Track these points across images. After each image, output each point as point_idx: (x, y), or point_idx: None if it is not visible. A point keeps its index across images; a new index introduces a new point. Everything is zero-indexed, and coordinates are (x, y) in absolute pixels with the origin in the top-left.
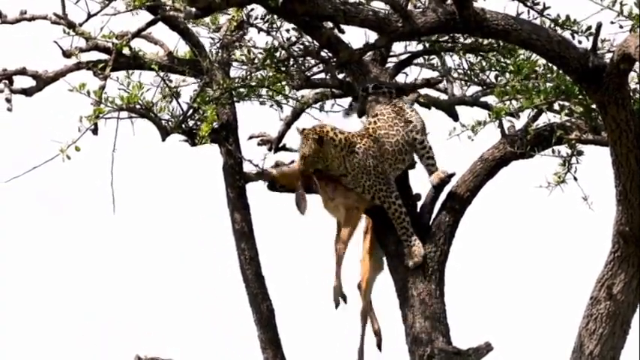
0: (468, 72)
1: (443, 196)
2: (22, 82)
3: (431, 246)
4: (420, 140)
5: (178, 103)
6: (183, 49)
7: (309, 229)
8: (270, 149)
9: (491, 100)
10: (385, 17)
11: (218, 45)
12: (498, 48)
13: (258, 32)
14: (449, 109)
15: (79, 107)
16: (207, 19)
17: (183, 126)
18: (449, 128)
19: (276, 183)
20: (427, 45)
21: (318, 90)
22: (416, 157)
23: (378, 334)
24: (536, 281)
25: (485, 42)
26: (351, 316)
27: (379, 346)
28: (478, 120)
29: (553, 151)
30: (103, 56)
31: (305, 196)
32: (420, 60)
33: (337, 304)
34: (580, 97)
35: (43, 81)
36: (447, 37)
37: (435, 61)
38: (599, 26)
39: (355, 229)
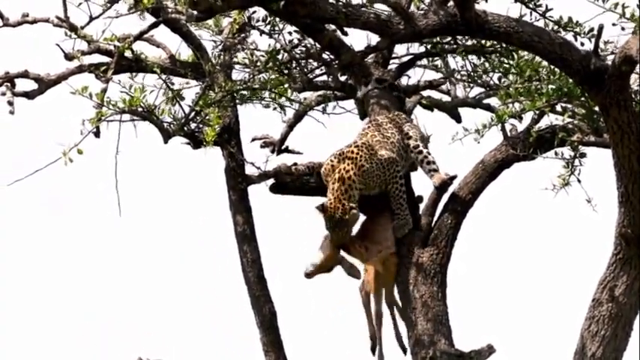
0: (471, 73)
1: (445, 198)
2: (24, 84)
3: (433, 248)
4: (415, 145)
5: (180, 105)
6: (185, 52)
7: (312, 231)
8: (272, 151)
9: (494, 101)
10: (387, 19)
11: (220, 48)
12: (501, 49)
13: (260, 35)
14: (452, 110)
15: (81, 110)
16: (209, 22)
17: (186, 129)
18: (452, 130)
19: (320, 272)
20: (429, 47)
21: (320, 92)
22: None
23: (372, 338)
24: (538, 283)
25: (488, 43)
26: (352, 319)
27: (373, 350)
28: (484, 123)
29: (555, 154)
30: (105, 59)
31: (350, 263)
32: (423, 62)
33: (404, 351)
34: (582, 99)
35: (45, 84)
36: (449, 39)
37: (438, 62)
38: (600, 28)
39: (395, 273)
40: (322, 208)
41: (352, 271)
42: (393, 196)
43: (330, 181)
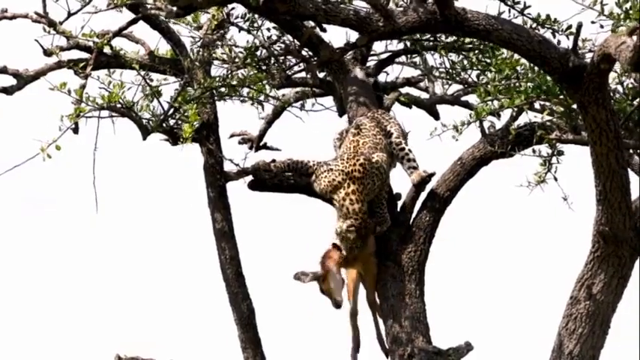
0: (450, 71)
1: (423, 196)
2: (2, 80)
3: (411, 246)
4: (398, 142)
5: (159, 102)
6: (164, 48)
7: (290, 228)
8: (251, 148)
9: (472, 99)
10: (366, 16)
11: (199, 44)
12: (480, 47)
13: (239, 31)
14: (430, 108)
15: (59, 106)
16: (188, 18)
17: (164, 125)
18: (430, 127)
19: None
20: (408, 44)
21: (298, 89)
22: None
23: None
24: (516, 281)
25: (467, 41)
26: (330, 317)
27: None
28: (462, 120)
29: (534, 151)
30: (84, 55)
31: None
32: (402, 59)
33: (387, 354)
34: (560, 96)
35: (23, 80)
36: (428, 36)
37: (417, 59)
38: (579, 26)
39: (376, 273)
40: (352, 231)
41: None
42: (378, 198)
43: (340, 201)
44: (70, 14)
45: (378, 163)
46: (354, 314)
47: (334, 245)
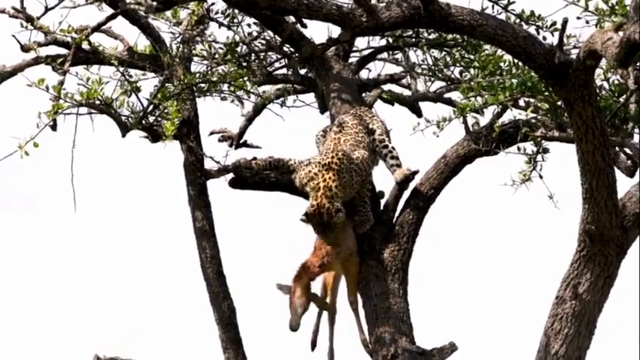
0: (432, 67)
1: (407, 194)
2: None
3: (394, 244)
4: (381, 140)
5: (138, 98)
6: (143, 44)
7: (271, 227)
8: (231, 145)
9: (455, 96)
10: (349, 12)
11: (179, 40)
12: (463, 43)
13: (219, 27)
14: (412, 105)
15: (37, 103)
16: (167, 14)
17: (144, 122)
18: (412, 124)
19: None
20: (391, 40)
21: (279, 85)
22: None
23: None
24: (501, 280)
25: (450, 37)
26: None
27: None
28: (443, 116)
29: (518, 149)
30: (62, 51)
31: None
32: (384, 55)
33: (370, 354)
34: (546, 93)
35: (0, 76)
36: (410, 32)
37: (399, 56)
38: (565, 22)
39: (357, 274)
40: (307, 217)
41: (324, 306)
42: (360, 196)
43: (312, 189)
44: (47, 9)
45: (358, 159)
46: (332, 313)
47: (304, 265)
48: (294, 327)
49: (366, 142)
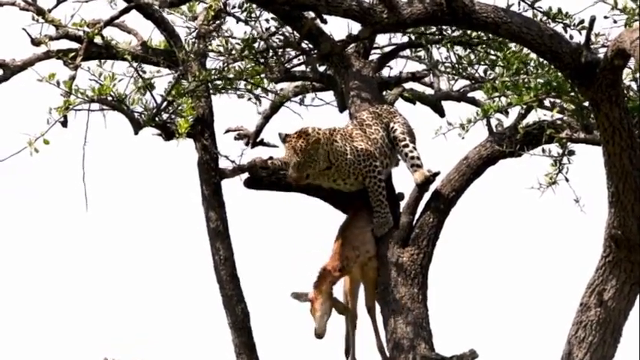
0: (456, 65)
1: (427, 196)
2: None
3: (414, 248)
4: (401, 139)
5: (152, 95)
6: (157, 39)
7: (287, 228)
8: (247, 144)
9: (479, 95)
10: (369, 7)
11: (194, 35)
12: (487, 41)
13: (237, 22)
14: (435, 104)
15: (48, 98)
16: (183, 8)
17: (157, 119)
18: (434, 124)
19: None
20: (413, 37)
21: (298, 83)
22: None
23: (380, 350)
24: (524, 286)
25: (474, 34)
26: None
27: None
28: (468, 118)
29: (543, 151)
30: (74, 45)
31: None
32: (406, 52)
33: None
34: (572, 93)
35: (10, 70)
36: (434, 29)
37: (422, 53)
38: (592, 20)
39: (376, 278)
40: (284, 137)
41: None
42: (372, 192)
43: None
44: (59, 2)
45: (355, 147)
46: (352, 317)
47: (324, 269)
48: (321, 334)
49: (378, 136)
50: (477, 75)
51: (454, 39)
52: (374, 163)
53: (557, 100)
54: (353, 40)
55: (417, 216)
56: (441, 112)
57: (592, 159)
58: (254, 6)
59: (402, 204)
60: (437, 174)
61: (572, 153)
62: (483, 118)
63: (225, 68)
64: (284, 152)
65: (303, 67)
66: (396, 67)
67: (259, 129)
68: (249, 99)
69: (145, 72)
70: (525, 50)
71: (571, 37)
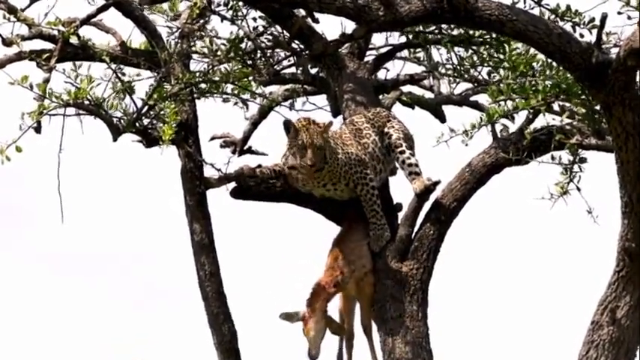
0: (458, 67)
1: (427, 207)
2: None
3: (413, 262)
4: (397, 144)
5: (132, 99)
6: (137, 39)
7: (277, 241)
8: (234, 152)
9: (482, 98)
10: (364, 5)
11: (177, 35)
12: (491, 41)
13: (222, 21)
14: (435, 108)
15: (20, 102)
16: (164, 6)
17: (138, 125)
18: (434, 130)
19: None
20: (411, 37)
21: (288, 86)
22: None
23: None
24: (532, 303)
25: (477, 33)
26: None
27: None
28: (472, 123)
29: (552, 158)
30: (48, 45)
31: (337, 323)
32: (404, 53)
33: None
34: (582, 96)
35: None
36: (433, 28)
37: (421, 54)
38: (603, 18)
39: (372, 295)
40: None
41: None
42: (365, 201)
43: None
44: (33, 0)
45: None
46: (349, 337)
47: (318, 284)
48: (315, 355)
49: (370, 141)
50: (480, 77)
51: (455, 39)
52: (364, 170)
53: (567, 104)
54: (347, 39)
55: (416, 228)
56: (441, 117)
57: (604, 166)
58: (240, 4)
59: (401, 215)
60: (437, 183)
61: (583, 160)
62: (488, 124)
63: (210, 70)
64: (289, 144)
65: (293, 69)
66: (394, 68)
67: (247, 135)
68: (236, 103)
69: (124, 74)
70: (532, 51)
71: (581, 36)
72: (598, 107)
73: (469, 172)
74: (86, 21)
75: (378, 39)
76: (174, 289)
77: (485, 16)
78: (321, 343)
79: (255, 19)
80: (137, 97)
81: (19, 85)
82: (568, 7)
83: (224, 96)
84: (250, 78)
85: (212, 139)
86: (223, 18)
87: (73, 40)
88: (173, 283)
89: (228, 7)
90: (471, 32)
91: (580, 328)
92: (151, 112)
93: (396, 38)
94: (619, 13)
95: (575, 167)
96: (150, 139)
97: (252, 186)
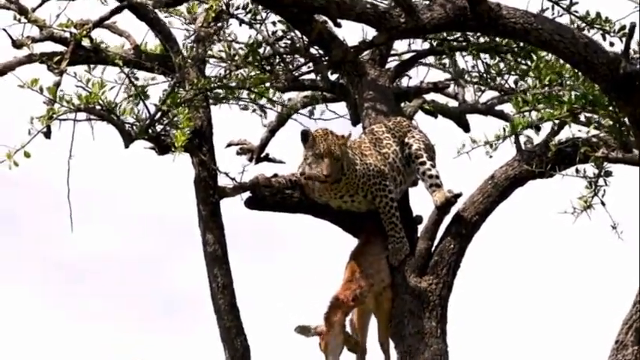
0: (483, 75)
1: (447, 220)
2: None
3: (432, 277)
4: (418, 155)
5: (145, 104)
6: (152, 43)
7: (293, 253)
8: (250, 159)
9: (507, 108)
10: (385, 11)
11: (193, 38)
12: (518, 49)
13: (240, 25)
14: (459, 117)
15: (30, 106)
16: (181, 8)
17: (150, 131)
18: (457, 140)
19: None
20: (435, 43)
21: (307, 93)
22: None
23: None
24: (554, 321)
25: (504, 42)
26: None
27: None
28: (497, 134)
29: (577, 171)
30: (59, 48)
31: (354, 339)
32: (428, 60)
33: None
34: (609, 108)
35: None
36: (458, 34)
37: (445, 61)
38: (632, 27)
39: (390, 310)
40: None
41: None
42: (384, 213)
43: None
44: (44, 0)
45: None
46: (362, 353)
47: (337, 298)
48: None
49: (390, 151)
50: (506, 86)
51: (481, 46)
52: (383, 182)
53: (594, 116)
54: (367, 46)
55: (436, 242)
56: (465, 127)
57: (631, 180)
58: (259, 7)
59: (420, 228)
60: (459, 195)
61: (609, 174)
62: (512, 135)
63: (227, 76)
64: (305, 154)
65: (312, 76)
66: (416, 76)
67: (264, 143)
68: (253, 110)
69: (137, 79)
70: (560, 60)
71: (611, 44)
72: (625, 119)
73: (492, 184)
74: (99, 23)
75: (400, 45)
76: (186, 302)
77: (510, 25)
78: (339, 358)
79: (274, 24)
80: (150, 102)
81: (28, 89)
82: (598, 15)
83: (240, 102)
84: (268, 84)
85: (228, 145)
86: (241, 22)
87: (85, 42)
88: (185, 296)
89: (247, 10)
90: (498, 40)
91: (604, 347)
92: (165, 119)
93: (419, 45)
94: None
95: (600, 181)
96: (163, 146)
97: (268, 196)
